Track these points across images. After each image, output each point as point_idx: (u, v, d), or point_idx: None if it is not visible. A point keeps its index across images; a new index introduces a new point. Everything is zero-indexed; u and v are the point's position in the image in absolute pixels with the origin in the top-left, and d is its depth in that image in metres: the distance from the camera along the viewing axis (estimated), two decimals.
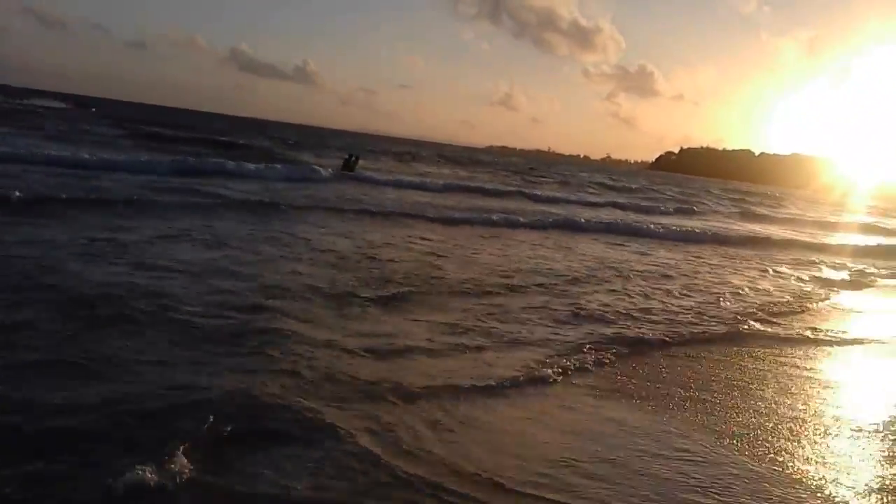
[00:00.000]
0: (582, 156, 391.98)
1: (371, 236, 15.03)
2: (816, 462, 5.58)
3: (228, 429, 4.85)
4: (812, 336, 10.21)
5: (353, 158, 34.32)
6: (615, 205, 35.98)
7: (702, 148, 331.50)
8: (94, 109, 76.72)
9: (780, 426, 6.35)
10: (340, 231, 15.29)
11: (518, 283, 11.72)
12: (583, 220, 23.63)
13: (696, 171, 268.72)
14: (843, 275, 18.04)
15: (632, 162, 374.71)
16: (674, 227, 25.33)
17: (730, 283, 14.50)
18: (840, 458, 5.70)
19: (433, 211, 20.86)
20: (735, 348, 9.06)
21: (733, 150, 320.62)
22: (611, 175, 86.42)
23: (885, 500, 5.01)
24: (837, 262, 21.03)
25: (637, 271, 14.55)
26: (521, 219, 21.75)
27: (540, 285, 11.74)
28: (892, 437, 6.29)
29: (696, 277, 14.66)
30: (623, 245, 18.95)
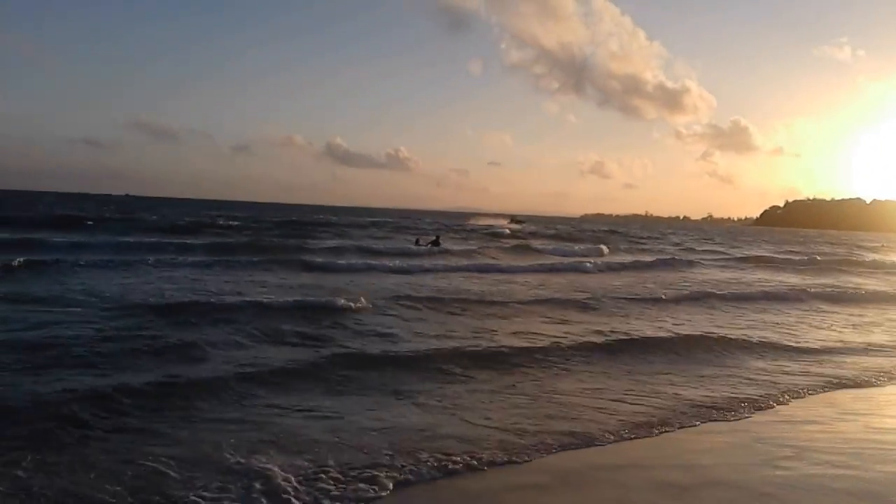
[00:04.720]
0: (682, 217, 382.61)
1: None
2: None
3: None
4: None
5: (437, 239, 37.75)
6: None
7: (809, 200, 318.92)
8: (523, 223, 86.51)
9: None
10: None
11: None
12: None
13: (804, 224, 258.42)
14: None
15: (735, 219, 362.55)
16: None
17: None
18: None
19: None
20: None
21: (843, 200, 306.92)
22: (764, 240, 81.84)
23: None
24: None
25: None
26: None
27: None
28: None
29: None
30: None
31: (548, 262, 29.91)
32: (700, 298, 19.02)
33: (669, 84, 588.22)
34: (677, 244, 55.78)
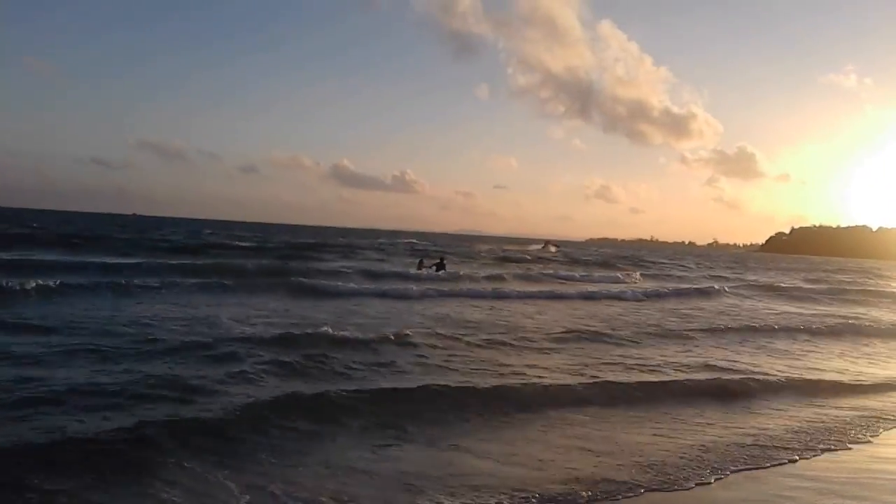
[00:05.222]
0: (687, 242, 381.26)
1: None
2: None
3: None
4: None
5: (442, 261, 35.41)
6: None
7: (815, 227, 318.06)
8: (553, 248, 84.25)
9: None
10: None
11: None
12: None
13: (810, 251, 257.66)
14: None
15: (740, 245, 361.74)
16: None
17: None
18: None
19: None
20: None
21: (849, 227, 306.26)
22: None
23: None
24: None
25: None
26: None
27: None
28: None
29: None
30: None
31: (575, 289, 29.61)
32: (741, 330, 18.46)
33: (675, 110, 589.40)
34: (688, 268, 55.10)
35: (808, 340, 17.84)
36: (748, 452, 7.66)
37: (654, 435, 8.15)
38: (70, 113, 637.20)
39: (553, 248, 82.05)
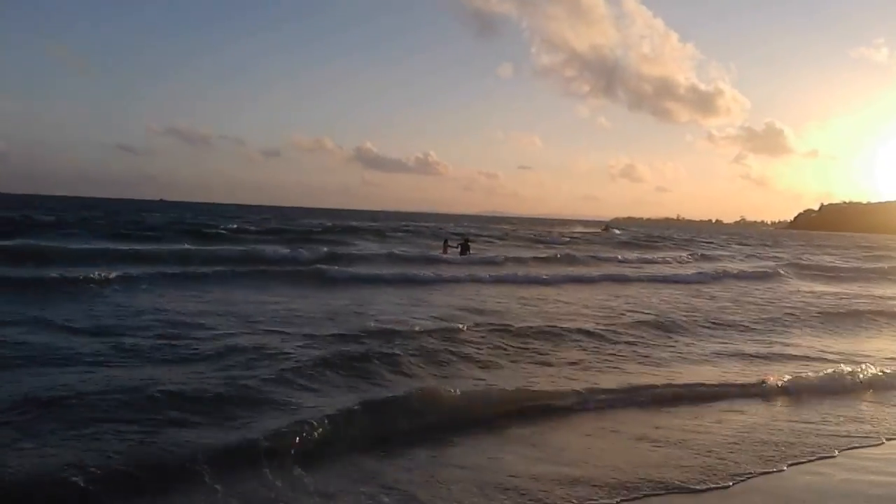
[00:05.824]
0: (714, 220, 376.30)
1: None
2: None
3: None
4: None
5: (466, 243, 34.66)
6: None
7: (844, 203, 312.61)
8: (617, 231, 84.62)
9: None
10: None
11: None
12: None
13: (840, 227, 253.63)
14: None
15: (768, 223, 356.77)
16: None
17: None
18: None
19: None
20: None
21: (880, 203, 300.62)
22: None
23: None
24: None
25: None
26: None
27: None
28: None
29: None
30: None
31: (629, 271, 28.60)
32: (818, 317, 17.04)
33: (702, 86, 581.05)
34: (725, 247, 53.65)
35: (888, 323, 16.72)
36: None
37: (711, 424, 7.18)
38: (96, 101, 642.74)
39: (606, 232, 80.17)
